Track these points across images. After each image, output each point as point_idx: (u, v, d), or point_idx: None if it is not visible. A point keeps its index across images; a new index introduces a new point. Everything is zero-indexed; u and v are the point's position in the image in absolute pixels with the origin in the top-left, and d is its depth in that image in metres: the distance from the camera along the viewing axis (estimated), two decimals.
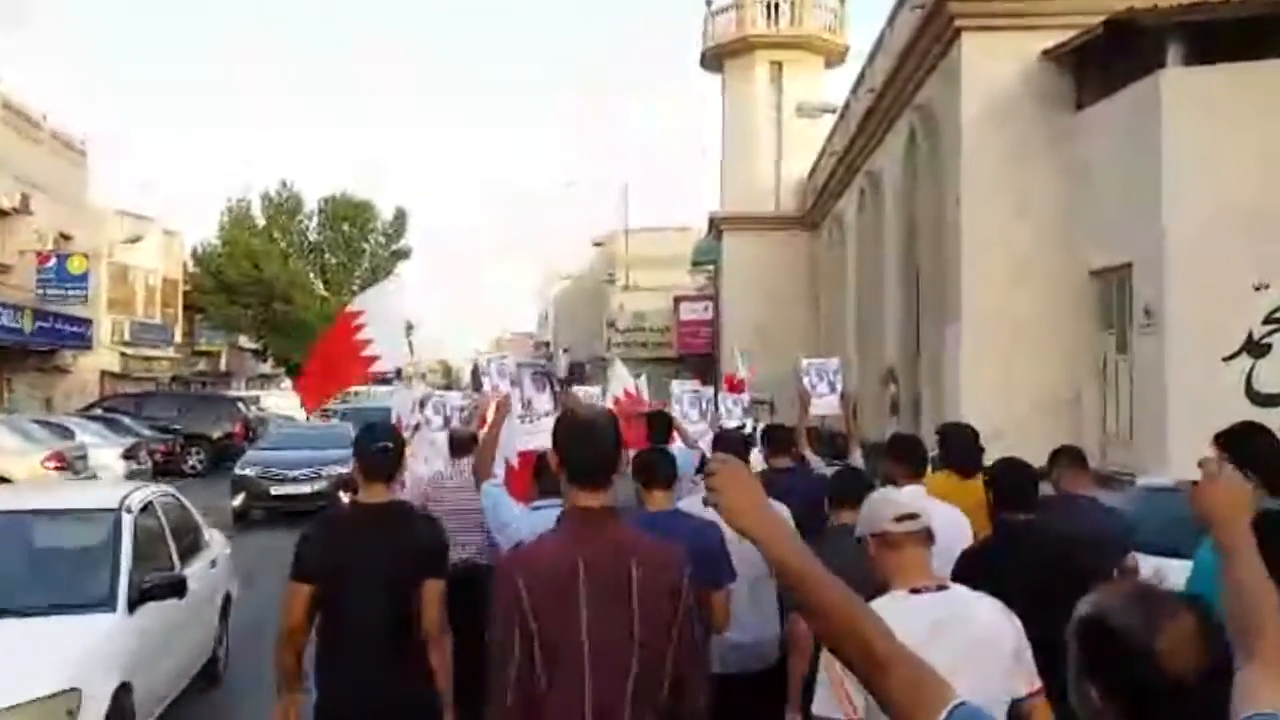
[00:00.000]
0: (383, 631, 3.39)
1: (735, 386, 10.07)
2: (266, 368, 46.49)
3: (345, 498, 9.35)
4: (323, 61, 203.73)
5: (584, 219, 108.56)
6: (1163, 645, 1.39)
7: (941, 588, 2.62)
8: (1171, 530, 5.55)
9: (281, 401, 31.17)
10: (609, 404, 9.51)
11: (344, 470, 13.14)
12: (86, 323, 28.81)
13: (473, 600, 3.60)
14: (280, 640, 3.47)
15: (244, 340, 44.67)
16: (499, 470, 4.53)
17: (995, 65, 13.84)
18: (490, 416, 5.03)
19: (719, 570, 3.76)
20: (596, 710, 2.33)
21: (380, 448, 3.63)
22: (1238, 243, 11.26)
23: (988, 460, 4.66)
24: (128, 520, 5.53)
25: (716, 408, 9.19)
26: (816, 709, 2.56)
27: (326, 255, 43.80)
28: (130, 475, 17.99)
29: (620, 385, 10.00)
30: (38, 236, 27.59)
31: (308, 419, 19.07)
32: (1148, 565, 5.55)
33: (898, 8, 18.60)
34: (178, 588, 5.37)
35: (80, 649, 4.61)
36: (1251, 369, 11.29)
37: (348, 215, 43.45)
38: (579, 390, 10.21)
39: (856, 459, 5.91)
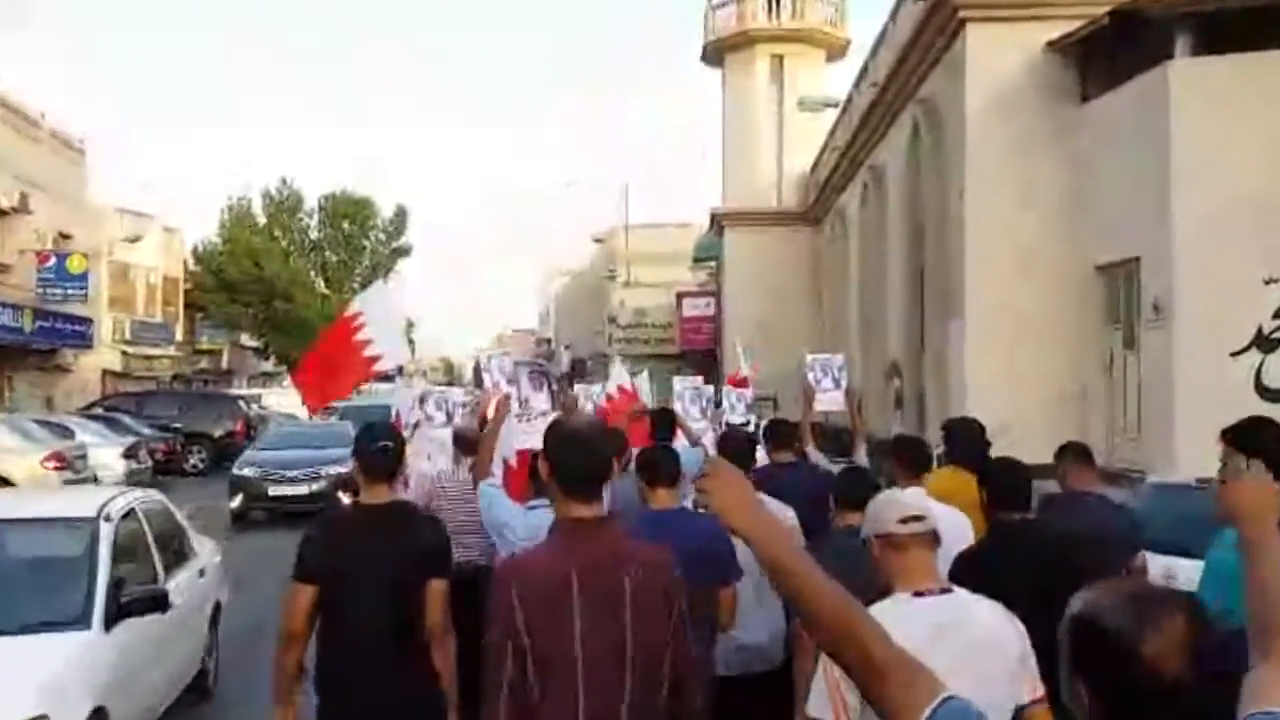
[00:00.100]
0: (385, 633, 3.36)
1: (739, 382, 9.90)
2: (268, 366, 46.43)
3: (345, 498, 9.26)
4: (323, 61, 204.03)
5: (584, 218, 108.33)
6: (1151, 647, 1.37)
7: (945, 591, 2.59)
8: (1183, 529, 5.47)
9: (283, 399, 31.05)
10: (601, 401, 9.43)
11: (343, 470, 13.02)
12: (87, 322, 28.76)
13: (476, 601, 3.49)
14: (282, 642, 3.43)
15: (245, 338, 44.63)
16: (496, 470, 4.49)
17: (1000, 57, 13.73)
18: (490, 414, 4.99)
19: (726, 567, 3.75)
20: None
21: (380, 447, 3.60)
22: (1247, 236, 11.14)
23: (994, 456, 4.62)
24: (106, 530, 5.16)
25: (719, 404, 9.08)
26: (810, 710, 2.54)
27: (327, 253, 43.75)
28: (130, 474, 17.95)
29: (614, 383, 9.91)
30: (37, 236, 27.52)
31: (310, 418, 18.95)
32: (1157, 564, 5.46)
33: (901, 0, 18.46)
34: (159, 602, 4.98)
35: (50, 671, 4.28)
36: (1261, 364, 11.17)
37: (348, 213, 43.39)
38: (579, 389, 10.09)
39: (861, 455, 5.86)
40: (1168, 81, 11.68)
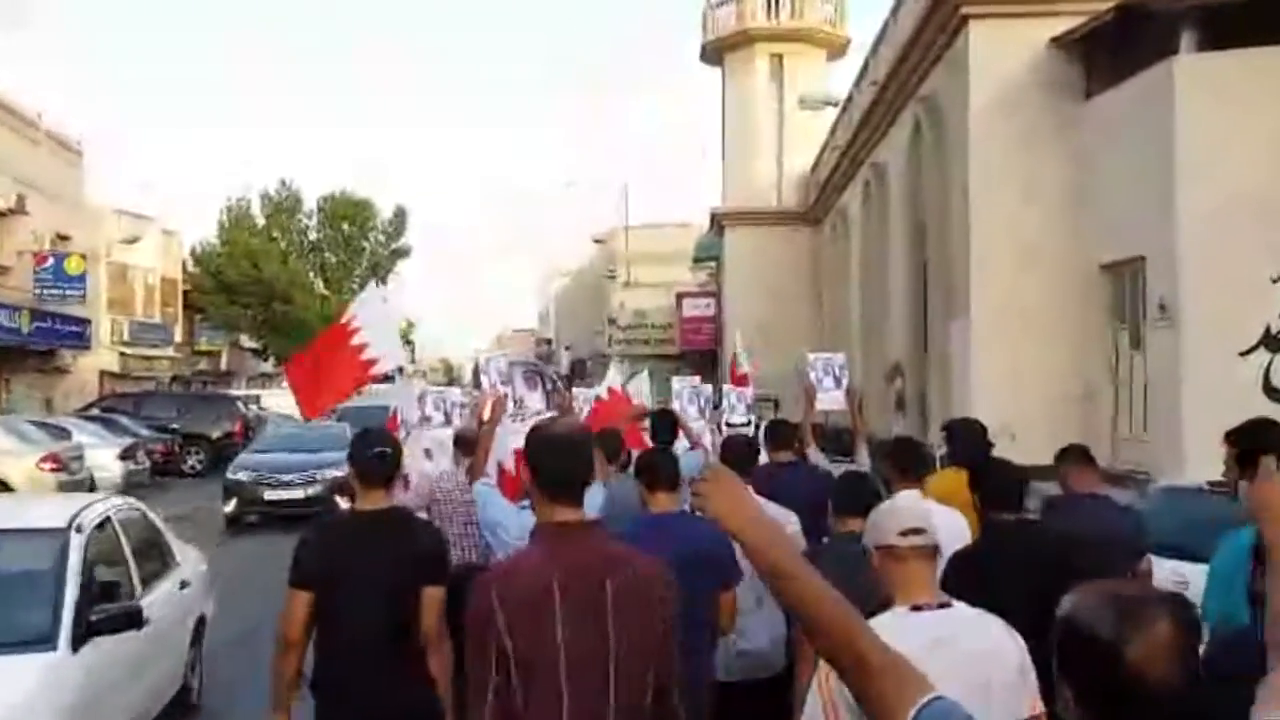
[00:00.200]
0: (382, 639, 3.35)
1: (739, 380, 9.70)
2: (267, 367, 46.29)
3: (343, 502, 9.15)
4: (323, 61, 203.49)
5: (584, 218, 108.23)
6: (1135, 650, 1.34)
7: (944, 606, 2.55)
8: (1194, 533, 5.36)
9: (283, 401, 30.87)
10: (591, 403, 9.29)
11: (340, 473, 12.85)
12: (85, 323, 28.66)
13: None
14: (280, 648, 3.42)
15: (244, 340, 44.51)
16: (491, 469, 4.47)
17: (1003, 54, 13.66)
18: (486, 415, 4.95)
19: (727, 571, 3.74)
20: None
21: (377, 454, 3.57)
22: (1254, 234, 11.04)
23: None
24: (77, 541, 4.79)
25: (719, 403, 8.93)
26: None
27: (326, 254, 43.57)
28: (128, 476, 17.89)
29: (606, 385, 9.81)
30: (35, 237, 27.43)
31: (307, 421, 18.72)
32: (1167, 569, 5.35)
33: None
34: (133, 619, 4.65)
35: (12, 696, 4.00)
36: (1269, 364, 11.07)
37: (347, 214, 43.24)
38: (577, 392, 9.97)
39: (863, 455, 5.79)
40: (1173, 77, 11.58)
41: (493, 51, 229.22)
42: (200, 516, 14.81)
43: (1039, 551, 3.52)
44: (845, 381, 6.82)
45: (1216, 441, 3.39)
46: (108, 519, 5.39)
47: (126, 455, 18.12)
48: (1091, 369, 13.49)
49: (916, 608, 2.51)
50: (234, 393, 32.42)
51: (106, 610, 4.57)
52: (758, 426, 7.99)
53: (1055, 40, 13.51)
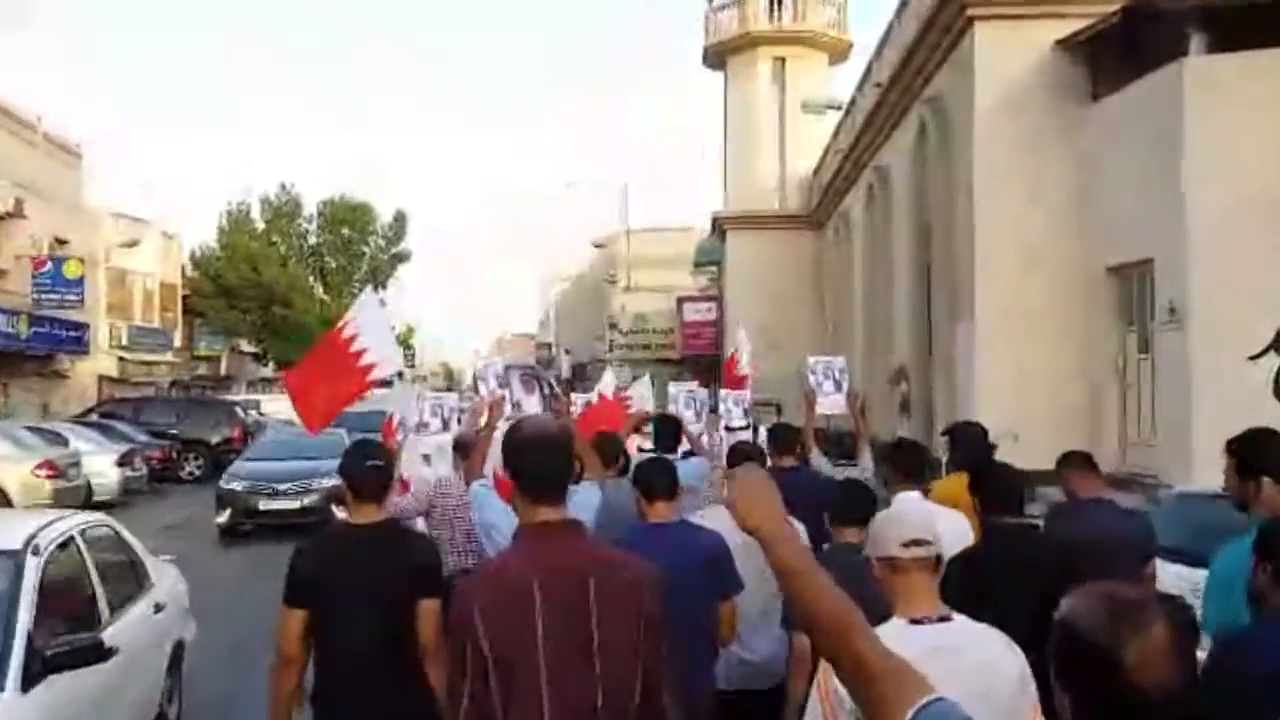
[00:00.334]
0: (379, 652, 3.34)
1: (735, 382, 9.45)
2: (267, 371, 46.19)
3: (340, 512, 9.01)
4: (323, 61, 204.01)
5: (584, 219, 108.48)
6: (1132, 657, 1.33)
7: (944, 619, 2.53)
8: (1208, 539, 5.22)
9: (282, 406, 30.74)
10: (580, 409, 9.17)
11: (337, 482, 12.60)
12: (83, 327, 28.54)
13: None
14: (277, 665, 3.40)
15: (244, 344, 44.42)
16: (488, 473, 4.39)
17: (1008, 55, 13.59)
18: (484, 421, 4.93)
19: (726, 581, 3.75)
20: None
21: (370, 466, 3.56)
22: (1263, 236, 10.94)
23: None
24: (33, 565, 4.28)
25: (714, 408, 8.72)
26: None
27: (326, 258, 43.56)
28: (125, 482, 17.78)
29: (598, 391, 9.69)
30: (32, 241, 27.31)
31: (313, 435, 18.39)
32: (1180, 575, 5.24)
33: (904, 1, 18.25)
34: (95, 653, 4.14)
35: None
36: None
37: (347, 218, 43.21)
38: (576, 398, 9.86)
39: (866, 459, 5.71)
40: (1182, 78, 11.46)
41: (493, 51, 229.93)
42: (195, 524, 14.65)
43: (1039, 555, 3.52)
44: (846, 385, 6.77)
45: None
46: (71, 538, 4.88)
47: (124, 461, 18.00)
48: (1097, 372, 13.38)
49: (916, 620, 2.49)
50: (233, 398, 32.24)
51: (64, 644, 4.06)
52: (755, 430, 7.85)
53: (1061, 42, 13.43)
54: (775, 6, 29.51)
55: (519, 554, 2.44)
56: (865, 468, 5.51)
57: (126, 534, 5.74)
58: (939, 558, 2.60)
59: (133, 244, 33.78)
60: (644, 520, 3.91)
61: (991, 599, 2.70)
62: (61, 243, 28.63)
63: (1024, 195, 13.46)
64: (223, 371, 44.39)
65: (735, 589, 3.77)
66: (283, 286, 39.63)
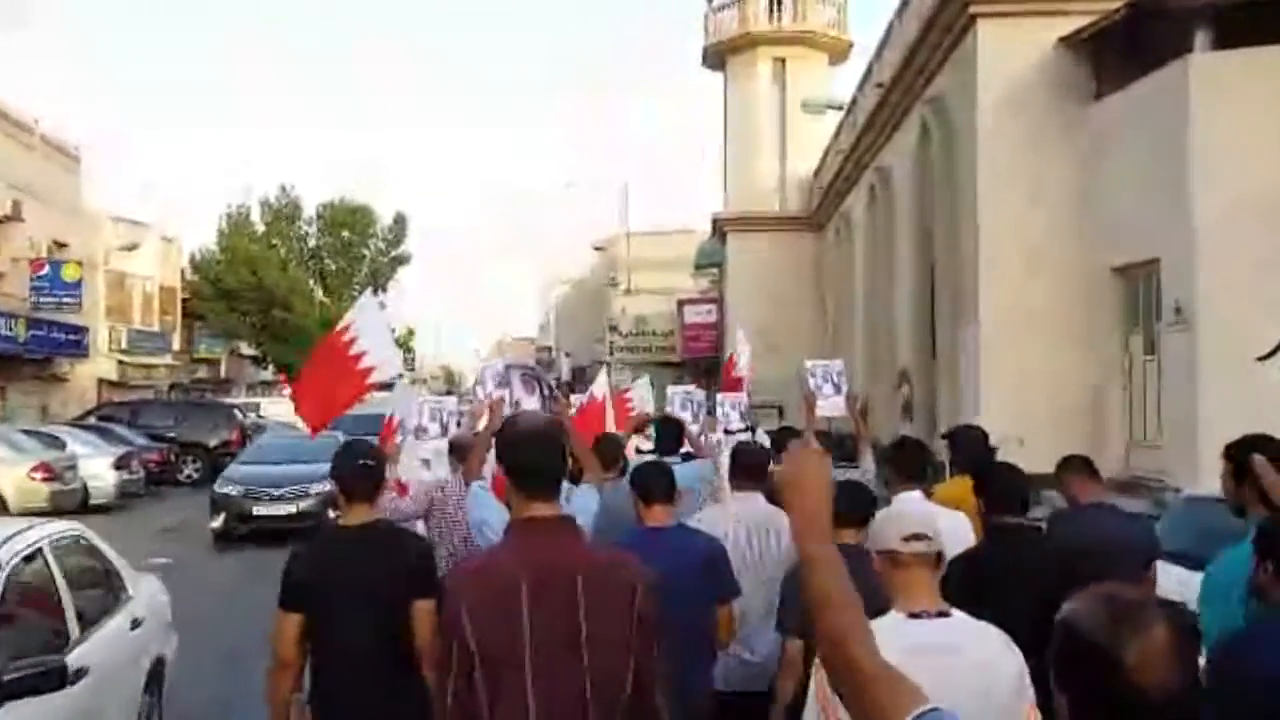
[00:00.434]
0: (375, 653, 3.34)
1: (733, 385, 9.33)
2: (267, 374, 46.16)
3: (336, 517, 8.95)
4: (322, 61, 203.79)
5: (584, 220, 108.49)
6: (1132, 658, 1.33)
7: (943, 614, 2.52)
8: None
9: (282, 409, 30.68)
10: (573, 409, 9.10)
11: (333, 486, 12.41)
12: (82, 330, 28.49)
13: None
14: (274, 669, 3.41)
15: (244, 347, 44.37)
16: (487, 473, 4.34)
17: (1011, 53, 13.49)
18: (484, 423, 4.90)
19: (725, 585, 3.78)
20: None
21: (361, 466, 3.54)
22: (1271, 236, 10.82)
23: None
24: None
25: (712, 410, 8.59)
26: None
27: (326, 261, 43.46)
28: (122, 485, 17.69)
29: (589, 393, 9.61)
30: (31, 244, 27.23)
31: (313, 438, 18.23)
32: (1175, 578, 5.16)
33: (906, 0, 18.16)
34: (59, 678, 3.83)
35: None
36: None
37: (347, 221, 43.12)
38: (576, 399, 9.77)
39: (868, 461, 5.64)
40: (1188, 76, 11.36)
41: (493, 51, 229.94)
42: (192, 528, 14.52)
43: (1042, 556, 3.53)
44: (845, 388, 6.73)
45: None
46: (38, 550, 4.52)
47: (121, 464, 17.91)
48: (1101, 373, 13.27)
49: (915, 615, 2.49)
50: (232, 401, 32.16)
51: (22, 668, 3.72)
52: (754, 432, 7.74)
53: (1064, 40, 13.33)
54: (775, 7, 29.41)
55: (508, 550, 2.44)
56: (866, 470, 5.45)
57: (102, 544, 5.41)
58: (939, 554, 2.60)
59: (132, 247, 33.72)
60: (642, 523, 3.90)
61: (991, 600, 2.70)
62: (60, 246, 28.57)
63: (1027, 195, 13.36)
64: (222, 375, 44.34)
65: (733, 593, 3.79)
66: (282, 289, 39.55)
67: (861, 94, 22.76)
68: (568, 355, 51.76)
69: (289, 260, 42.01)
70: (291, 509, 13.81)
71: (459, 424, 6.54)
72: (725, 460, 5.17)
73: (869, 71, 21.98)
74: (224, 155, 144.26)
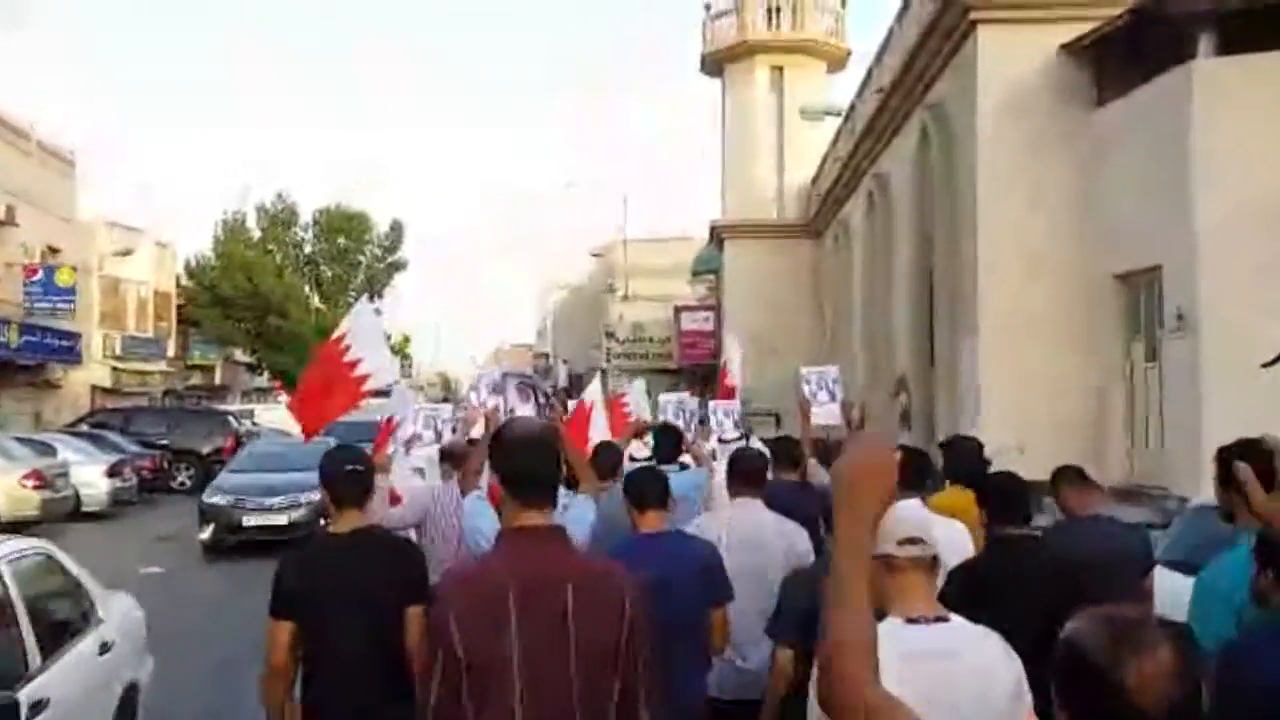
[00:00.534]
0: (367, 660, 3.34)
1: (726, 393, 9.26)
2: (262, 381, 46.00)
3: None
4: (322, 61, 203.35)
5: (583, 221, 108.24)
6: (1132, 678, 1.32)
7: (940, 619, 2.49)
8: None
9: (277, 416, 30.53)
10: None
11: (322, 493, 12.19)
12: (75, 336, 28.37)
13: None
14: (267, 678, 3.42)
15: (239, 354, 44.21)
16: (483, 484, 4.31)
17: (1012, 59, 13.43)
18: (478, 430, 4.96)
19: (718, 589, 3.79)
20: None
21: (350, 471, 3.53)
22: (1273, 242, 10.75)
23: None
24: None
25: (705, 419, 8.50)
26: None
27: (322, 267, 43.32)
28: (114, 493, 17.54)
29: (579, 399, 9.53)
30: (24, 249, 27.13)
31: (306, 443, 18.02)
32: (1182, 586, 5.10)
33: (905, 6, 18.11)
34: (7, 715, 3.55)
35: None
36: None
37: (343, 227, 43.03)
38: (572, 405, 9.70)
39: None
40: (1190, 82, 11.29)
41: (493, 51, 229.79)
42: (185, 536, 14.32)
43: (1040, 567, 3.54)
44: (840, 395, 6.72)
45: None
46: None
47: (113, 472, 17.80)
48: (1102, 380, 13.18)
49: (912, 620, 2.46)
50: (227, 407, 32.01)
51: None
52: (748, 439, 7.67)
53: (1066, 46, 13.26)
54: (773, 14, 29.42)
55: (499, 558, 2.42)
56: None
57: (69, 563, 5.07)
58: (935, 558, 2.58)
59: (126, 253, 33.60)
60: (636, 530, 3.88)
61: (993, 609, 2.68)
62: (54, 251, 28.47)
63: (1027, 200, 13.28)
64: (217, 381, 44.19)
65: (727, 597, 3.80)
66: (278, 296, 39.43)
67: (860, 100, 22.72)
68: (565, 362, 51.66)
69: (285, 266, 41.88)
70: (283, 520, 13.43)
71: (454, 430, 6.48)
72: (720, 468, 5.10)
73: (868, 77, 21.93)
74: (222, 155, 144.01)
